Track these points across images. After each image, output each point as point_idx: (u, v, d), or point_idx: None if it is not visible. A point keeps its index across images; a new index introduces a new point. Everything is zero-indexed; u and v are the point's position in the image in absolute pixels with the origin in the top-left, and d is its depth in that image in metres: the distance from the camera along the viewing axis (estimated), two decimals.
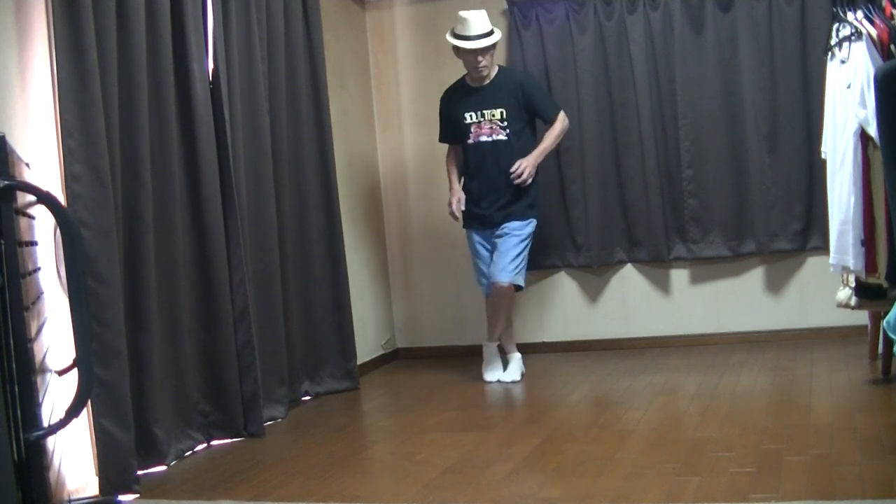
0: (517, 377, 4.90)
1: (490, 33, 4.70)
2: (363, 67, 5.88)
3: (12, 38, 3.18)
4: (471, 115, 4.79)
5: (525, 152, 4.78)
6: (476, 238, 4.91)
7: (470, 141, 4.81)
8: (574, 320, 5.68)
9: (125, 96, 3.57)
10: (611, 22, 5.41)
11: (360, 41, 5.86)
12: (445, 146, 5.05)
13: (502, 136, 4.76)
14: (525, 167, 4.71)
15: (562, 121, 4.88)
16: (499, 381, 4.88)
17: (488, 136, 4.76)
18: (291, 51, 4.75)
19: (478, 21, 4.67)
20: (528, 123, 4.86)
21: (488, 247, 4.88)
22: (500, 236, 4.79)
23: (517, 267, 4.75)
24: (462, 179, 4.95)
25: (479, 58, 4.69)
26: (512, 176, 4.71)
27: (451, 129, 4.91)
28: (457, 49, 4.75)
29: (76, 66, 3.26)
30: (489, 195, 4.79)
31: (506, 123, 4.75)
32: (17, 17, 3.21)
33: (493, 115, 4.75)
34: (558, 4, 5.47)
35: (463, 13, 4.70)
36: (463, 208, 4.86)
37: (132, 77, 3.59)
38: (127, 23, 3.56)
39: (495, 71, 4.83)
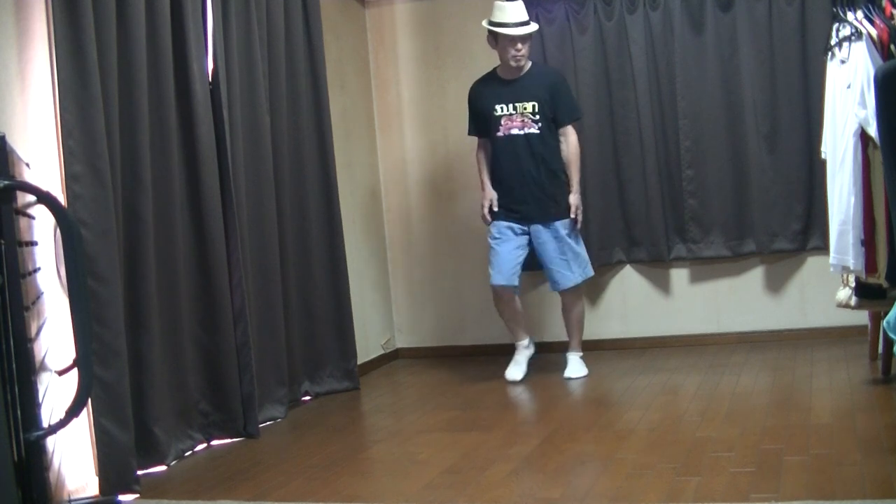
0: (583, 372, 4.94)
1: (528, 22, 4.66)
2: (363, 67, 5.87)
3: (12, 38, 3.18)
4: (501, 108, 4.71)
5: (556, 149, 4.74)
6: (503, 230, 4.76)
7: (500, 134, 4.72)
8: None
9: (125, 96, 3.57)
10: (611, 22, 5.41)
11: (360, 40, 5.86)
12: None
13: (534, 130, 4.68)
14: (579, 209, 4.73)
15: (573, 133, 4.79)
16: (568, 377, 4.87)
17: (520, 129, 4.69)
18: (291, 51, 4.75)
19: (516, 9, 4.63)
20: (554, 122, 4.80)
21: (517, 238, 4.76)
22: (544, 241, 4.74)
23: (582, 263, 4.82)
24: (491, 177, 4.86)
25: (519, 45, 4.62)
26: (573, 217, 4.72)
27: (480, 122, 4.84)
28: (494, 38, 4.68)
29: (76, 66, 3.26)
30: (525, 190, 4.72)
31: (538, 117, 4.68)
32: (17, 17, 3.21)
33: (525, 108, 4.68)
34: (558, 4, 5.47)
35: (500, 1, 4.65)
36: (496, 209, 4.77)
37: (132, 77, 3.59)
38: (127, 23, 3.56)
39: (528, 65, 4.76)
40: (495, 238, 4.80)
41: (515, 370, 4.91)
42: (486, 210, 4.80)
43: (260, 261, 4.40)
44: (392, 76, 5.91)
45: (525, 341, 4.98)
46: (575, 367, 4.93)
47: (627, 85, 5.40)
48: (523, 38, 4.63)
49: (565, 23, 5.47)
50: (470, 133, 4.96)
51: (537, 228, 4.75)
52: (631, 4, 5.36)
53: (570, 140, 4.78)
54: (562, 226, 4.74)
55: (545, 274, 4.88)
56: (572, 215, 4.73)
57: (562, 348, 5.68)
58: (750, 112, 5.22)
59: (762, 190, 5.25)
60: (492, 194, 4.78)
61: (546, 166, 4.72)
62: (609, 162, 5.47)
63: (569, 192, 4.77)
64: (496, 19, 4.64)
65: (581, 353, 5.01)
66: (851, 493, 2.70)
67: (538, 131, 4.69)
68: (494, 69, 4.84)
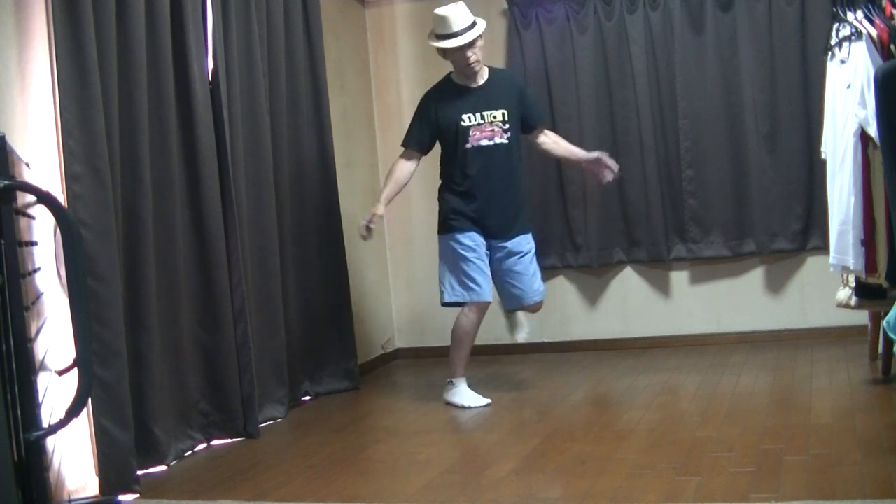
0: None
1: (473, 25, 4.29)
2: (363, 67, 5.87)
3: (12, 38, 3.18)
4: (469, 117, 4.34)
5: (521, 160, 4.52)
6: (477, 240, 4.38)
7: (468, 146, 4.34)
8: (574, 320, 5.67)
9: (125, 96, 3.57)
10: (611, 22, 5.40)
11: (360, 40, 5.86)
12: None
13: (503, 140, 4.36)
14: (609, 158, 4.53)
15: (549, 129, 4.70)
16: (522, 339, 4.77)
17: (489, 140, 4.35)
18: (291, 51, 4.75)
19: (457, 15, 4.26)
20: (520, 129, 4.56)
21: (484, 251, 4.41)
22: (514, 254, 4.44)
23: (540, 279, 4.59)
24: (450, 189, 4.45)
25: (468, 53, 4.28)
26: (610, 178, 4.53)
27: (437, 135, 4.44)
28: (443, 51, 4.36)
29: (76, 66, 3.26)
30: (496, 204, 4.39)
31: (507, 126, 4.37)
32: (17, 18, 3.21)
33: (495, 117, 4.35)
34: (558, 4, 5.47)
35: (439, 11, 4.31)
36: (373, 226, 4.37)
37: (132, 77, 3.59)
38: (127, 23, 3.57)
39: (486, 71, 4.46)
40: (468, 248, 4.37)
41: (475, 395, 4.45)
42: (368, 222, 4.35)
43: (260, 261, 4.40)
44: (392, 76, 5.91)
45: (465, 380, 4.52)
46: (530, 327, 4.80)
47: (627, 85, 5.40)
48: (470, 46, 4.28)
49: (565, 23, 5.47)
50: (408, 144, 4.49)
51: (497, 243, 4.43)
52: (631, 4, 5.36)
53: (550, 134, 4.64)
54: (524, 241, 4.49)
55: (500, 291, 4.55)
56: (608, 161, 4.51)
57: (562, 348, 5.71)
58: (750, 112, 5.22)
59: (762, 190, 5.25)
60: (381, 212, 4.39)
61: (514, 178, 4.44)
62: None
63: (524, 205, 4.59)
64: (438, 32, 4.32)
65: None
66: (851, 493, 2.70)
67: (507, 141, 4.38)
68: (448, 76, 4.50)
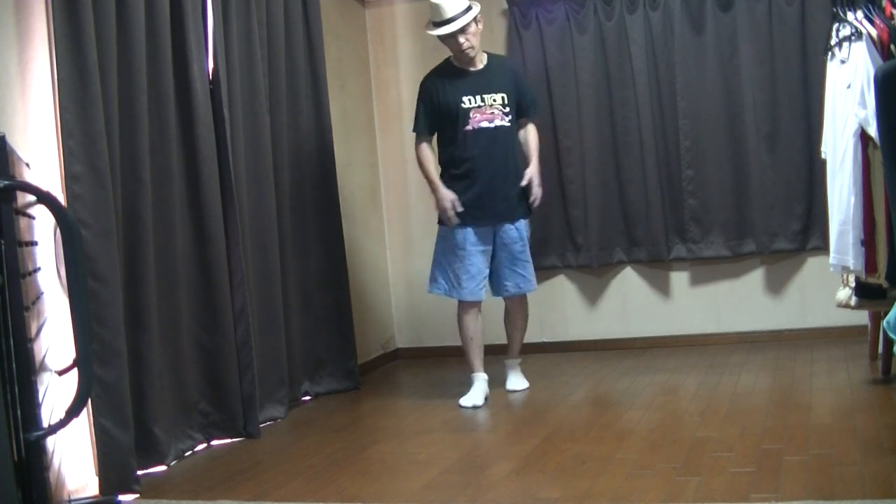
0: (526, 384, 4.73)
1: (467, 10, 4.32)
2: (363, 67, 5.87)
3: (12, 38, 3.18)
4: (469, 100, 4.38)
5: (519, 144, 4.54)
6: (471, 238, 4.43)
7: (468, 128, 4.37)
8: (574, 320, 5.67)
9: (125, 96, 3.57)
10: (611, 22, 5.40)
11: (360, 41, 5.86)
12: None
13: (505, 123, 4.40)
14: (539, 187, 4.48)
15: (535, 129, 4.64)
16: (512, 390, 4.65)
17: (490, 122, 4.38)
18: (291, 51, 4.75)
19: (449, 2, 4.30)
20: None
21: (483, 248, 4.46)
22: (512, 241, 4.47)
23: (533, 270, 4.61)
24: (451, 175, 4.47)
25: (461, 39, 4.32)
26: (532, 198, 4.47)
27: (438, 117, 4.45)
28: (440, 38, 4.41)
29: (76, 65, 3.27)
30: (498, 187, 4.40)
31: (507, 109, 4.41)
32: (17, 18, 3.21)
33: (495, 100, 4.40)
34: (558, 4, 5.47)
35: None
36: (461, 209, 4.40)
37: (132, 77, 3.59)
38: (127, 23, 3.57)
39: (485, 56, 4.51)
40: (460, 246, 4.44)
41: (477, 395, 4.45)
42: (448, 209, 4.39)
43: (260, 260, 4.40)
44: (392, 76, 5.91)
45: (484, 374, 4.54)
46: (519, 378, 4.72)
47: (627, 85, 5.40)
48: (462, 31, 4.31)
49: (565, 23, 5.47)
50: (420, 131, 4.51)
51: (505, 227, 4.46)
52: (631, 4, 5.36)
53: (530, 128, 4.60)
54: (525, 225, 4.52)
55: (499, 277, 4.53)
56: (534, 195, 4.46)
57: (562, 348, 5.69)
58: (750, 112, 5.22)
59: (762, 190, 5.24)
60: (451, 194, 4.39)
61: (515, 161, 4.46)
62: (609, 162, 5.47)
63: (526, 185, 4.49)
64: (434, 19, 4.38)
65: (521, 360, 4.77)
66: (851, 493, 2.70)
67: (508, 124, 4.42)
68: (448, 59, 4.54)
